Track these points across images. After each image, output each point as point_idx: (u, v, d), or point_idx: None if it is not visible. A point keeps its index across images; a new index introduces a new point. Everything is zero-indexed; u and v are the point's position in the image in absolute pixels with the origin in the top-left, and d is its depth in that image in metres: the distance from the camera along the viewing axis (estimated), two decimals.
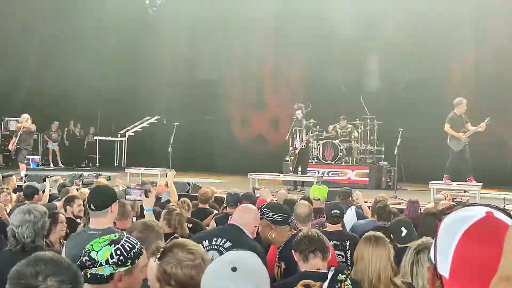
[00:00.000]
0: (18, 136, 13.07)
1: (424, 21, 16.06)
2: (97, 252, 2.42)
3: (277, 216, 4.05)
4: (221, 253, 3.41)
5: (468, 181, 10.56)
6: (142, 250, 2.51)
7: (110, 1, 18.12)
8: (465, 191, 10.60)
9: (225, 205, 6.72)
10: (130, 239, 2.53)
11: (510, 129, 15.01)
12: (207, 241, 3.56)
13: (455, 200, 9.59)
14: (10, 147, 13.37)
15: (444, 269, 1.17)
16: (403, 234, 4.49)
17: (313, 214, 5.13)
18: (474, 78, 15.59)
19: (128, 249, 2.44)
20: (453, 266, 1.15)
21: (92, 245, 2.46)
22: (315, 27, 17.17)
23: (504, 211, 1.21)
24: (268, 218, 4.01)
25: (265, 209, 4.09)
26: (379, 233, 3.80)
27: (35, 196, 7.00)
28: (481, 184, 10.11)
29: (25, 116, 13.25)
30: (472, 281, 1.13)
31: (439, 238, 1.21)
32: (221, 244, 3.52)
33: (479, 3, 15.43)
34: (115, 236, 2.51)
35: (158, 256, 2.23)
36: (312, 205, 5.41)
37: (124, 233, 2.67)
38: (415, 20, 16.19)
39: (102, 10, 17.75)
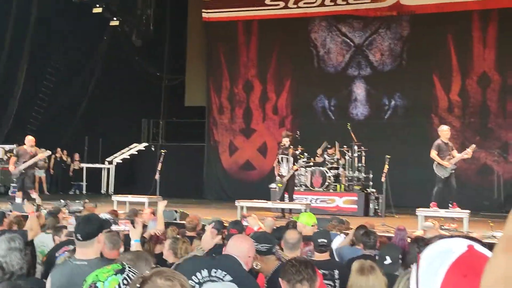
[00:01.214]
0: (30, 162, 12.11)
1: (408, 48, 16.31)
2: (104, 282, 2.37)
3: (261, 246, 4.04)
4: None
5: (451, 207, 10.56)
6: None
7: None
8: (453, 218, 10.60)
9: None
10: (132, 268, 2.49)
11: (494, 156, 15.14)
12: (206, 270, 3.50)
13: (443, 227, 9.61)
14: (12, 168, 12.19)
15: None
16: (386, 262, 4.46)
17: (302, 241, 5.10)
18: (459, 106, 15.78)
19: (133, 278, 2.41)
20: None
21: (96, 275, 2.41)
22: (303, 54, 17.38)
23: (482, 243, 1.23)
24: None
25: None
26: (372, 263, 3.77)
27: (4, 220, 6.76)
28: (468, 211, 10.13)
29: (32, 139, 12.36)
30: None
31: (420, 271, 1.21)
32: (221, 277, 3.46)
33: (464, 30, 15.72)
34: (118, 266, 2.47)
35: (138, 285, 2.21)
36: (303, 232, 5.39)
37: (124, 262, 2.63)
38: (400, 48, 16.44)
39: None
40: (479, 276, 1.12)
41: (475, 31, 15.64)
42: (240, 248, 3.65)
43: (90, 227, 3.56)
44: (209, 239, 4.86)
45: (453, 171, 10.85)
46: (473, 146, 10.92)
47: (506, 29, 15.18)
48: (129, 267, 2.47)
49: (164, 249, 4.92)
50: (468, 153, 10.76)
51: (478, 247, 1.20)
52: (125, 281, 2.37)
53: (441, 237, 1.25)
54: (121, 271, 2.41)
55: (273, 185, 13.35)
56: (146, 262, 3.02)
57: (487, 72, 15.52)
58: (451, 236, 1.25)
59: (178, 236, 5.40)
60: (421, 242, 4.87)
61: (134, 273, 2.43)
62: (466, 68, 15.70)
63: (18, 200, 11.88)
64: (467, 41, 15.70)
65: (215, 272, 3.44)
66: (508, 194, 14.77)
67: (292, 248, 4.72)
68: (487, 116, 15.53)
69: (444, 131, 11.05)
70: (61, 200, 12.14)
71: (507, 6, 15.08)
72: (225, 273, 3.44)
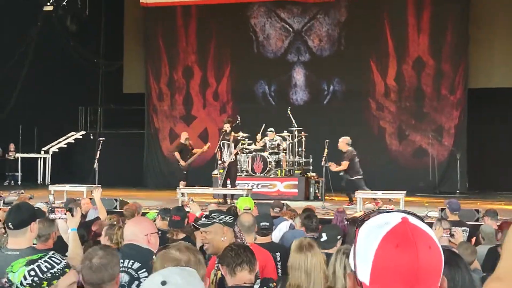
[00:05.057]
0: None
1: (346, 34, 16.54)
2: (15, 273, 2.34)
3: (229, 218, 3.91)
4: (130, 275, 3.34)
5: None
6: (66, 270, 2.42)
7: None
8: (390, 200, 10.90)
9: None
10: (52, 258, 2.43)
11: (429, 138, 15.61)
12: None
13: (381, 208, 9.87)
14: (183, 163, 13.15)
15: (364, 276, 1.19)
16: (322, 239, 4.53)
17: None
18: (395, 90, 16.15)
19: (45, 269, 2.36)
20: (373, 272, 1.18)
21: (12, 266, 2.38)
22: (242, 39, 17.34)
23: (417, 216, 1.26)
24: (221, 221, 3.84)
25: (214, 214, 3.93)
26: (310, 240, 3.80)
27: None
28: (404, 192, 10.43)
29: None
30: (391, 286, 1.15)
31: (358, 245, 1.23)
32: (129, 265, 3.41)
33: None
34: (36, 256, 2.42)
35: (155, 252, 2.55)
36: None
37: (50, 252, 2.55)
38: (338, 33, 16.65)
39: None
40: (410, 246, 1.16)
41: (410, 16, 16.02)
42: (133, 232, 3.60)
43: (21, 216, 3.43)
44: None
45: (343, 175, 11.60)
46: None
47: (439, 14, 15.62)
48: (48, 258, 2.42)
49: (102, 236, 4.83)
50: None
51: (412, 219, 1.22)
52: (32, 272, 2.34)
53: (379, 212, 1.28)
54: (33, 262, 2.38)
55: (215, 172, 13.34)
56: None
57: (422, 57, 15.94)
58: (389, 211, 1.27)
59: (114, 222, 5.30)
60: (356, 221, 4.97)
61: (50, 264, 2.39)
62: (402, 53, 16.07)
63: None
64: (402, 27, 16.06)
65: (123, 263, 3.39)
66: (442, 175, 15.30)
67: (247, 231, 4.65)
68: (422, 100, 15.97)
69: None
70: None
71: None
72: (133, 261, 3.41)
